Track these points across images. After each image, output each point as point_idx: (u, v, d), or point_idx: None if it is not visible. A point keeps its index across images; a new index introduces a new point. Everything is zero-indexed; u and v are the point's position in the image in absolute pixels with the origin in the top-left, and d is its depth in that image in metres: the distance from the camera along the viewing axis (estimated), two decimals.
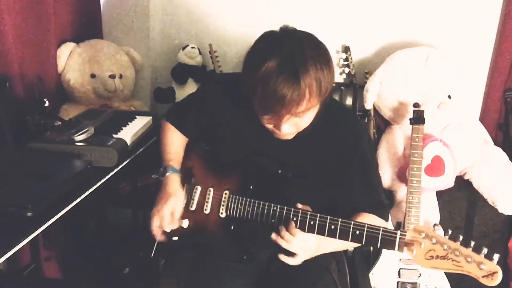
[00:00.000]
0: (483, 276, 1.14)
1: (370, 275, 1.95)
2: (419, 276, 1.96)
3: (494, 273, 1.13)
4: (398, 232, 1.24)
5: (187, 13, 2.51)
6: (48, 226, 1.25)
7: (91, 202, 1.48)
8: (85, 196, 1.42)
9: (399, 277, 1.96)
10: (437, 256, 1.18)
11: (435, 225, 1.22)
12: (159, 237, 1.47)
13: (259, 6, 2.42)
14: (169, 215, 1.43)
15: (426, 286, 1.96)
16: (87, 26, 2.37)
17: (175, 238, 1.48)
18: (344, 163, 1.45)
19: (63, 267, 2.16)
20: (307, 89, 1.21)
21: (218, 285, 1.39)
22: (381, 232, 1.25)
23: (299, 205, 1.33)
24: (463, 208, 2.15)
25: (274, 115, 1.28)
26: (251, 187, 1.43)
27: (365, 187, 1.48)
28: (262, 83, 1.21)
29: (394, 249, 1.24)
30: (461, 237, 1.18)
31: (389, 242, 1.24)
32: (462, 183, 2.10)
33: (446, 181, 2.02)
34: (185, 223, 1.46)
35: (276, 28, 1.32)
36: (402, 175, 2.03)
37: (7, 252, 1.09)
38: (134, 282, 2.25)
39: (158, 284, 1.49)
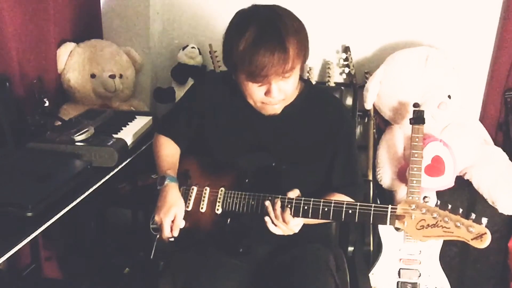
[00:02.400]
0: (472, 239, 1.16)
1: (370, 275, 1.95)
2: (419, 276, 1.96)
3: (483, 234, 1.16)
4: (389, 206, 1.26)
5: (187, 13, 2.51)
6: (48, 226, 1.25)
7: (91, 202, 1.48)
8: (85, 196, 1.42)
9: (399, 277, 1.96)
10: (428, 225, 1.21)
11: (425, 197, 1.23)
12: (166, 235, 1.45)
13: None
14: (169, 226, 1.43)
15: (426, 286, 1.96)
16: (87, 26, 2.37)
17: (171, 239, 1.49)
18: (330, 139, 1.50)
19: (63, 267, 2.15)
20: (291, 48, 1.28)
21: (213, 282, 1.39)
22: (372, 208, 1.27)
23: (289, 194, 1.36)
24: (463, 208, 2.14)
25: (264, 79, 1.32)
26: (246, 180, 1.47)
27: (345, 164, 1.53)
28: (247, 51, 1.28)
29: (386, 223, 1.26)
30: (449, 206, 1.20)
31: (381, 217, 1.26)
32: (462, 183, 2.10)
33: (446, 181, 2.02)
34: (182, 224, 1.46)
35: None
36: (402, 175, 2.03)
37: (7, 252, 1.09)
38: (134, 282, 2.24)
39: (158, 284, 1.49)
